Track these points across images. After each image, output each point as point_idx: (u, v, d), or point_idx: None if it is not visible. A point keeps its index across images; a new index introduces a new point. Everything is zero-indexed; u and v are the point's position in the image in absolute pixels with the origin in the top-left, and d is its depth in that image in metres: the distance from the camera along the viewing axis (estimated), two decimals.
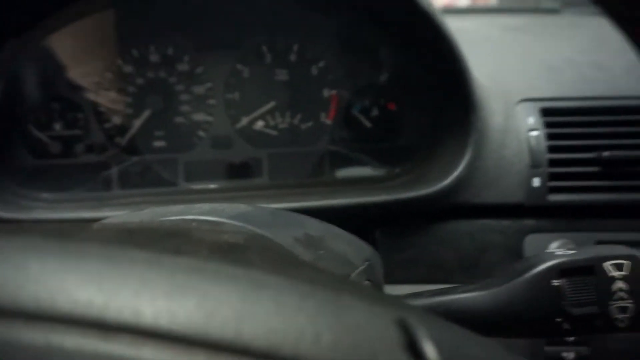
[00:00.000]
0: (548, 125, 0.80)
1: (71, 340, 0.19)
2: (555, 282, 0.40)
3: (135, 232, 0.31)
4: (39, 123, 0.84)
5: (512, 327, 0.40)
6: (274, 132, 0.90)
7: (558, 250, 0.43)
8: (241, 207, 0.47)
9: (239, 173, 0.89)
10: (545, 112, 0.81)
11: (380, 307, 0.24)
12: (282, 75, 0.89)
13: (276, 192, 0.86)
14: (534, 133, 0.80)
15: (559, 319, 0.40)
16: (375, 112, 0.91)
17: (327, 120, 0.91)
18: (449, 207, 0.78)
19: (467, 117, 0.75)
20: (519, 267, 0.42)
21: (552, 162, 0.78)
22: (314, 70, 0.90)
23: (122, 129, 0.87)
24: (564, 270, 0.41)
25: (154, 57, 0.87)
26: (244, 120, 0.89)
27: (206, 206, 0.46)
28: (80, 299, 0.20)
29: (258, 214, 0.46)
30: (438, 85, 0.81)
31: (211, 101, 0.88)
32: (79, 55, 0.84)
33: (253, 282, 0.23)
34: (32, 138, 0.84)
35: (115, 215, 0.69)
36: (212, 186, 0.88)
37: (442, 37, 0.69)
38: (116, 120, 0.87)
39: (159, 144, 0.88)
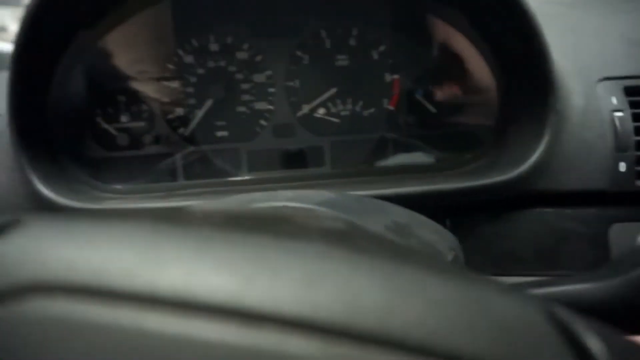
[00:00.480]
0: (633, 105, 0.74)
1: (211, 330, 0.18)
2: None
3: (243, 217, 0.29)
4: (107, 115, 0.86)
5: (634, 321, 0.36)
6: (335, 120, 0.88)
7: None
8: (325, 194, 0.45)
9: (301, 161, 0.88)
10: (629, 91, 0.75)
11: (525, 300, 0.21)
12: (342, 60, 0.87)
13: (340, 181, 0.84)
14: (619, 114, 0.74)
15: None
16: (439, 96, 0.87)
17: (389, 106, 0.88)
18: (526, 195, 0.74)
19: (545, 98, 0.70)
20: (636, 256, 0.38)
21: None
22: (375, 55, 0.87)
23: (185, 120, 0.87)
24: None
25: (213, 47, 0.87)
26: (305, 108, 0.87)
27: (289, 193, 0.45)
28: (219, 286, 0.18)
29: (344, 200, 0.44)
30: (511, 65, 0.76)
31: (272, 89, 0.87)
32: (141, 48, 0.85)
33: (388, 271, 0.21)
34: (100, 130, 0.86)
35: (189, 204, 0.70)
36: (274, 175, 0.88)
37: (521, 13, 0.65)
38: (179, 111, 0.87)
39: (221, 133, 0.88)
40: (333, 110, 0.88)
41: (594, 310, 0.37)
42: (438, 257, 0.39)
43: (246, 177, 0.88)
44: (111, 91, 0.86)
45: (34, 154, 0.75)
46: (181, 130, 0.87)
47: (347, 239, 0.28)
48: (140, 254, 0.20)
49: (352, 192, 0.68)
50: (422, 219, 0.49)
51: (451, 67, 0.86)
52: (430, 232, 0.48)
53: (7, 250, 0.19)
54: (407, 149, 0.88)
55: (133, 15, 0.81)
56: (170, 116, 0.87)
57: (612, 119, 0.74)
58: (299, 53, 0.86)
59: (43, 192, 0.73)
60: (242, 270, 0.19)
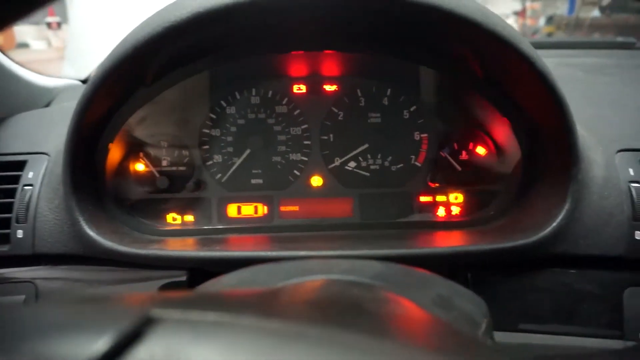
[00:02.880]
0: None
1: None
2: None
3: (324, 306, 0.34)
4: (150, 160, 0.91)
5: None
6: (365, 173, 0.93)
7: None
8: (376, 266, 0.50)
9: (330, 211, 0.93)
10: None
11: None
12: (375, 118, 0.92)
13: (368, 234, 0.88)
14: (635, 185, 0.79)
15: None
16: (464, 155, 0.92)
17: (417, 162, 0.93)
18: (546, 256, 0.78)
19: (568, 168, 0.75)
20: None
21: None
22: (406, 114, 0.92)
23: (223, 167, 0.92)
24: None
25: (254, 99, 0.92)
26: (337, 161, 0.93)
27: (345, 264, 0.49)
28: None
29: (394, 273, 0.49)
30: (538, 135, 0.81)
31: (307, 142, 0.93)
32: (187, 101, 0.91)
33: None
34: (142, 174, 0.91)
35: (232, 255, 0.74)
36: (305, 222, 0.92)
37: (554, 96, 0.70)
38: (218, 158, 0.92)
39: (256, 181, 0.93)
40: (363, 164, 0.93)
41: None
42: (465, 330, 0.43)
43: (277, 223, 0.92)
44: (156, 137, 0.91)
45: (81, 196, 0.79)
46: (219, 176, 0.93)
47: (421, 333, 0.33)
48: None
49: (383, 252, 0.72)
50: (460, 289, 0.53)
51: (478, 130, 0.91)
52: (467, 302, 0.52)
53: (152, 354, 0.23)
54: (433, 204, 0.93)
55: (181, 79, 0.87)
56: (209, 162, 0.93)
57: (630, 189, 0.78)
58: (334, 109, 0.92)
59: (89, 233, 0.77)
60: None
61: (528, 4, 7.80)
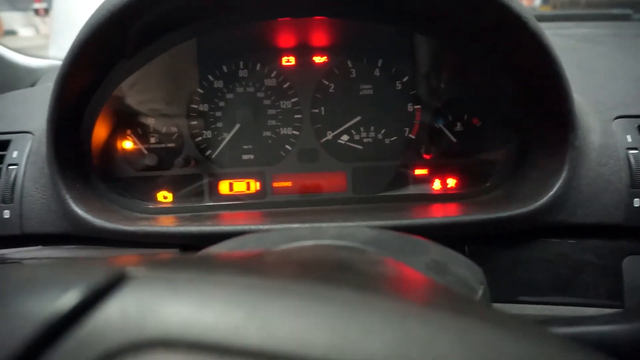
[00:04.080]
0: None
1: None
2: None
3: (315, 266, 0.32)
4: (137, 136, 0.89)
5: None
6: (358, 146, 0.91)
7: None
8: (367, 232, 0.48)
9: (324, 186, 0.91)
10: None
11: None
12: (366, 90, 0.90)
13: (361, 207, 0.87)
14: (633, 152, 0.77)
15: None
16: (459, 127, 0.90)
17: (411, 135, 0.91)
18: (543, 226, 0.77)
19: (564, 135, 0.73)
20: None
21: None
22: (398, 85, 0.90)
23: (213, 142, 0.90)
24: None
25: (242, 73, 0.90)
26: (329, 135, 0.91)
27: (332, 230, 0.48)
28: (322, 342, 0.21)
29: (386, 239, 0.47)
30: (533, 102, 0.79)
31: (298, 115, 0.90)
32: (173, 75, 0.88)
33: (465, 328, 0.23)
34: (130, 151, 0.89)
35: (228, 229, 0.72)
36: (297, 198, 0.90)
37: (548, 58, 0.68)
38: (207, 133, 0.90)
39: (247, 156, 0.91)
40: (356, 137, 0.91)
41: (623, 353, 0.40)
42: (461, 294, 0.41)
43: (270, 199, 0.91)
44: (142, 114, 0.89)
45: (68, 174, 0.77)
46: (209, 152, 0.90)
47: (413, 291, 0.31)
48: (247, 314, 0.22)
49: (377, 222, 0.71)
50: (456, 255, 0.52)
51: (472, 99, 0.89)
52: (463, 268, 0.51)
53: (123, 308, 0.22)
54: (428, 177, 0.91)
55: (163, 51, 0.84)
56: (199, 139, 0.90)
57: (627, 156, 0.77)
58: (325, 82, 0.90)
59: (77, 211, 0.75)
60: (342, 328, 0.22)
61: None
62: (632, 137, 0.78)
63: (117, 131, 0.88)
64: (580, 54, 1.10)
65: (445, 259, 0.49)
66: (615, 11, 1.83)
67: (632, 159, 0.77)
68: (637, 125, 0.79)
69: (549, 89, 0.72)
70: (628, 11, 1.76)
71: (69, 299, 0.22)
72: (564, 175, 0.74)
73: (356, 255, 0.39)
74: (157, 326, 0.21)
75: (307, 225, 0.69)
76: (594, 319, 0.42)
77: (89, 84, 0.77)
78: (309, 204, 0.89)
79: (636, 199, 0.75)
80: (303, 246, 0.40)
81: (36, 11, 6.19)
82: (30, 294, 0.23)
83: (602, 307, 0.76)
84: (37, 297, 0.23)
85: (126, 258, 0.32)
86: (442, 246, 0.52)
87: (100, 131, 0.85)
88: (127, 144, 0.89)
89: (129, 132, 0.89)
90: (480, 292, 0.48)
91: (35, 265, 0.29)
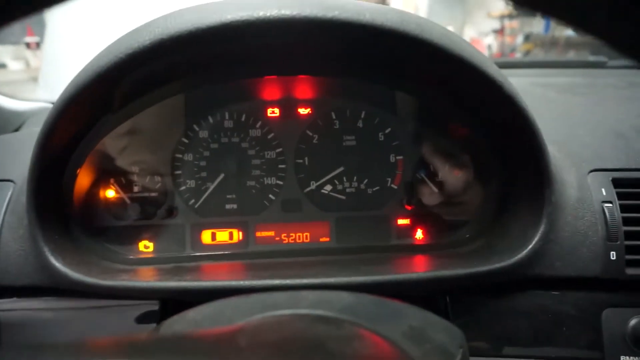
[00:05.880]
0: (621, 196, 0.79)
1: None
2: None
3: (283, 346, 0.32)
4: (121, 185, 0.89)
5: None
6: (341, 196, 0.92)
7: None
8: (345, 298, 0.48)
9: (307, 236, 0.91)
10: (617, 183, 0.81)
11: None
12: (349, 141, 0.92)
13: (345, 259, 0.86)
14: (608, 205, 0.79)
15: None
16: (440, 177, 0.92)
17: (393, 185, 0.92)
18: (523, 278, 0.78)
19: (542, 191, 0.75)
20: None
21: (629, 235, 0.77)
22: (381, 137, 0.92)
23: (196, 192, 0.90)
24: None
25: (227, 123, 0.91)
26: (313, 184, 0.92)
27: (311, 295, 0.48)
28: None
29: (364, 306, 0.48)
30: (510, 159, 0.81)
31: (282, 165, 0.91)
32: (158, 125, 0.89)
33: None
34: (113, 200, 0.88)
35: (199, 285, 0.71)
36: (280, 248, 0.90)
37: (521, 115, 0.70)
38: (191, 183, 0.90)
39: (230, 206, 0.91)
40: (339, 187, 0.92)
41: None
42: None
43: (253, 249, 0.90)
44: (126, 163, 0.89)
45: (47, 225, 0.76)
46: (192, 202, 0.91)
47: None
48: None
49: (359, 279, 0.71)
50: (434, 319, 0.52)
51: (453, 152, 0.91)
52: (441, 332, 0.51)
53: None
54: (410, 226, 0.92)
55: (150, 105, 0.85)
56: (182, 188, 0.91)
57: (603, 210, 0.79)
58: (309, 132, 0.91)
59: (55, 264, 0.74)
60: None
61: (507, 23, 7.98)
62: (606, 191, 0.80)
63: (99, 180, 0.88)
64: (559, 105, 1.14)
65: (423, 325, 0.49)
66: (592, 58, 1.91)
67: (607, 213, 0.78)
68: (611, 178, 0.82)
69: (526, 147, 0.75)
70: (603, 58, 1.83)
71: None
72: (541, 229, 0.76)
73: (332, 329, 0.39)
74: None
75: (288, 281, 0.69)
76: None
77: (73, 136, 0.78)
78: (292, 254, 0.89)
79: (612, 252, 0.77)
80: (279, 319, 0.40)
81: (28, 45, 6.24)
82: None
83: None
84: None
85: (103, 344, 0.32)
86: (420, 310, 0.52)
87: (82, 180, 0.85)
88: (110, 193, 0.89)
89: (112, 181, 0.89)
90: (458, 357, 0.48)
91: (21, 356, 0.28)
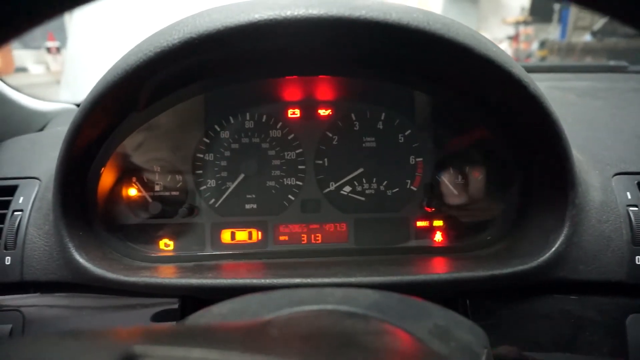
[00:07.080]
0: None
1: None
2: None
3: (314, 342, 0.32)
4: (143, 184, 0.90)
5: None
6: (360, 198, 0.92)
7: None
8: (371, 295, 0.48)
9: (326, 237, 0.91)
10: None
11: None
12: (369, 142, 0.92)
13: (364, 260, 0.86)
14: (633, 209, 0.78)
15: None
16: (460, 180, 0.91)
17: (413, 187, 0.92)
18: (545, 282, 0.77)
19: (565, 193, 0.74)
20: None
21: None
22: (401, 138, 0.92)
23: (217, 192, 0.91)
24: None
25: (248, 124, 0.92)
26: (332, 185, 0.92)
27: (338, 293, 0.48)
28: None
29: (390, 302, 0.47)
30: (534, 161, 0.81)
31: (301, 166, 0.92)
32: (180, 125, 0.90)
33: None
34: (134, 199, 0.90)
35: (222, 283, 0.72)
36: (299, 248, 0.90)
37: (546, 116, 0.70)
38: (211, 183, 0.91)
39: (250, 206, 0.91)
40: (359, 188, 0.92)
41: None
42: None
43: (271, 249, 0.91)
44: (148, 162, 0.90)
45: (72, 221, 0.77)
46: (212, 201, 0.91)
47: None
48: None
49: (380, 279, 0.71)
50: (459, 319, 0.51)
51: (474, 154, 0.90)
52: (466, 332, 0.50)
53: None
54: (430, 228, 0.91)
55: (175, 103, 0.86)
56: (203, 187, 0.91)
57: (628, 213, 0.77)
58: (329, 134, 0.92)
59: (78, 260, 0.75)
60: None
61: (521, 29, 7.94)
62: (631, 194, 0.79)
63: (122, 179, 0.90)
64: (580, 108, 1.13)
65: (448, 323, 0.49)
66: (612, 63, 1.88)
67: (632, 216, 0.77)
68: (636, 182, 0.80)
69: (549, 148, 0.74)
70: (624, 63, 1.81)
71: None
72: (565, 232, 0.75)
73: (360, 324, 0.39)
74: None
75: (308, 280, 0.69)
76: None
77: (99, 134, 0.79)
78: (310, 255, 0.89)
79: (638, 257, 0.76)
80: (307, 314, 0.40)
81: (48, 49, 6.38)
82: None
83: None
84: None
85: (131, 330, 0.32)
86: (444, 309, 0.52)
87: (106, 179, 0.86)
88: (132, 192, 0.91)
89: (134, 179, 0.90)
90: (483, 358, 0.48)
91: (43, 343, 0.29)
